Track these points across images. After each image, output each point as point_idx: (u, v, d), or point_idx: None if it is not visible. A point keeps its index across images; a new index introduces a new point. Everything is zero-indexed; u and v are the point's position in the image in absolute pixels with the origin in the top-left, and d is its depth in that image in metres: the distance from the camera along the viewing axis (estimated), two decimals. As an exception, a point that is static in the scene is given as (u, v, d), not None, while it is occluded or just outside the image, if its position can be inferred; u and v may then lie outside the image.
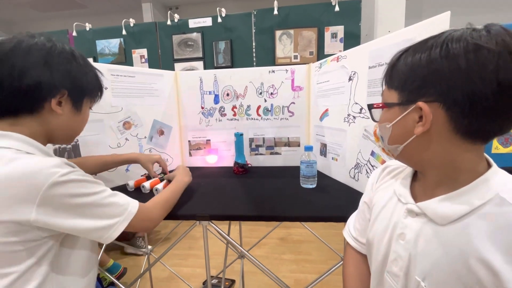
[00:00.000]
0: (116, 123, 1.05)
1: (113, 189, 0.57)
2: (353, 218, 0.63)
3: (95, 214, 0.52)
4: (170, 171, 0.98)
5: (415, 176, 0.47)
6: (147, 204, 0.65)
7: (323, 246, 1.67)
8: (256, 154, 1.31)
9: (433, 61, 0.35)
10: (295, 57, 2.14)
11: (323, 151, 1.11)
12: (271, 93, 1.24)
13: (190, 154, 1.35)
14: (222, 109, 1.29)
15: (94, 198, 0.52)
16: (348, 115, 0.92)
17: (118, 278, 1.57)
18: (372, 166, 0.81)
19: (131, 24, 2.37)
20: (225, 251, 1.15)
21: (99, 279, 1.49)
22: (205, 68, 2.32)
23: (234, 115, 1.29)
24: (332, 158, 1.04)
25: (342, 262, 0.71)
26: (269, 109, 1.26)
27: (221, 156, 1.33)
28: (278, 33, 2.13)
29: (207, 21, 2.26)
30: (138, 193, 0.94)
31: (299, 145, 1.27)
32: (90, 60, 0.63)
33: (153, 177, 0.99)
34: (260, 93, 1.25)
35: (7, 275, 0.46)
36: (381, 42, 0.75)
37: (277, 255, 1.90)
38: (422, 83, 0.37)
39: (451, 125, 0.36)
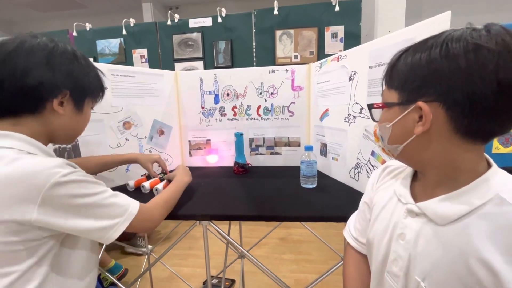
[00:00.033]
0: (116, 123, 1.05)
1: (113, 189, 0.58)
2: (353, 218, 0.63)
3: (96, 214, 0.52)
4: (170, 171, 0.98)
5: (415, 176, 0.47)
6: (148, 205, 0.65)
7: (323, 246, 1.68)
8: (256, 154, 1.31)
9: (433, 61, 0.35)
10: (295, 57, 2.14)
11: (323, 151, 1.11)
12: (271, 93, 1.24)
13: (190, 154, 1.35)
14: (222, 109, 1.29)
15: (95, 199, 0.52)
16: (348, 115, 0.92)
17: (119, 279, 1.57)
18: (372, 166, 0.81)
19: (131, 24, 2.37)
20: (225, 251, 1.16)
21: (100, 280, 1.49)
22: (205, 68, 2.32)
23: (234, 115, 1.29)
24: (332, 158, 1.04)
25: (342, 262, 0.71)
26: (269, 109, 1.26)
27: (221, 156, 1.32)
28: (278, 33, 2.13)
29: (207, 21, 2.26)
30: (138, 193, 0.94)
31: (299, 145, 1.27)
32: (91, 60, 0.64)
33: (153, 177, 0.99)
34: (260, 93, 1.25)
35: (8, 274, 0.46)
36: (381, 42, 0.75)
37: (277, 255, 1.90)
38: (422, 83, 0.37)
39: (451, 125, 0.36)
